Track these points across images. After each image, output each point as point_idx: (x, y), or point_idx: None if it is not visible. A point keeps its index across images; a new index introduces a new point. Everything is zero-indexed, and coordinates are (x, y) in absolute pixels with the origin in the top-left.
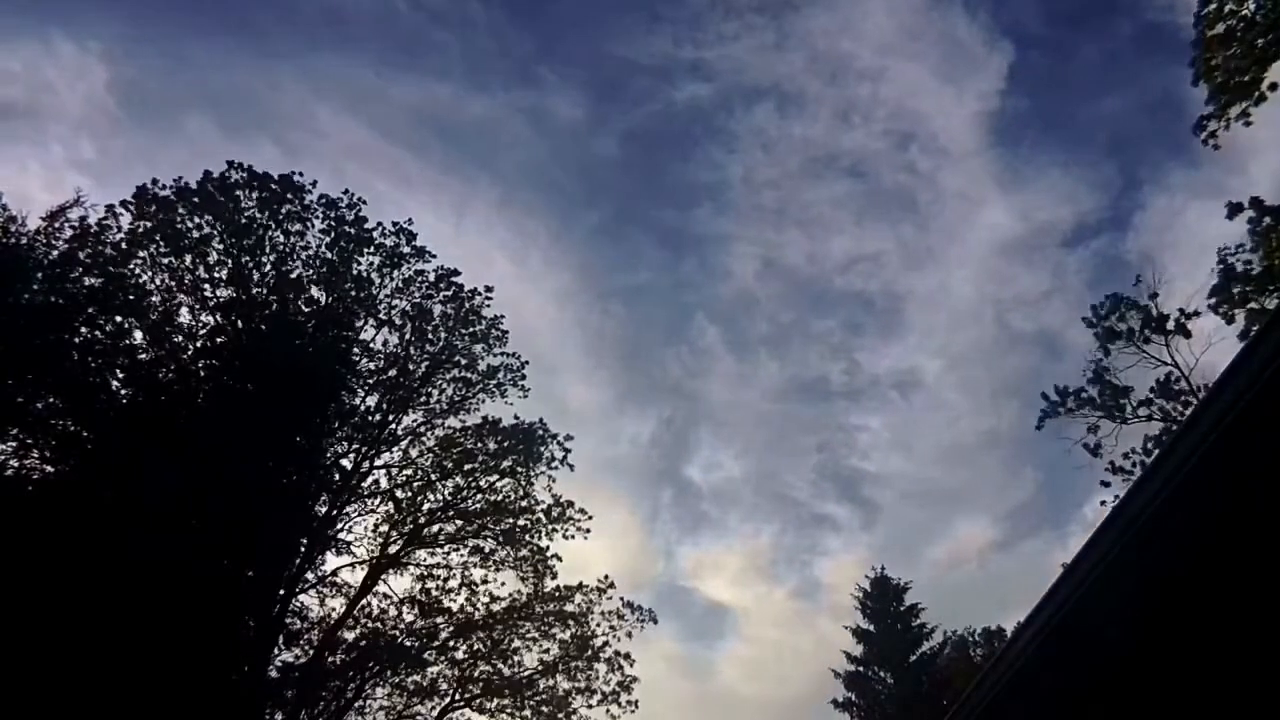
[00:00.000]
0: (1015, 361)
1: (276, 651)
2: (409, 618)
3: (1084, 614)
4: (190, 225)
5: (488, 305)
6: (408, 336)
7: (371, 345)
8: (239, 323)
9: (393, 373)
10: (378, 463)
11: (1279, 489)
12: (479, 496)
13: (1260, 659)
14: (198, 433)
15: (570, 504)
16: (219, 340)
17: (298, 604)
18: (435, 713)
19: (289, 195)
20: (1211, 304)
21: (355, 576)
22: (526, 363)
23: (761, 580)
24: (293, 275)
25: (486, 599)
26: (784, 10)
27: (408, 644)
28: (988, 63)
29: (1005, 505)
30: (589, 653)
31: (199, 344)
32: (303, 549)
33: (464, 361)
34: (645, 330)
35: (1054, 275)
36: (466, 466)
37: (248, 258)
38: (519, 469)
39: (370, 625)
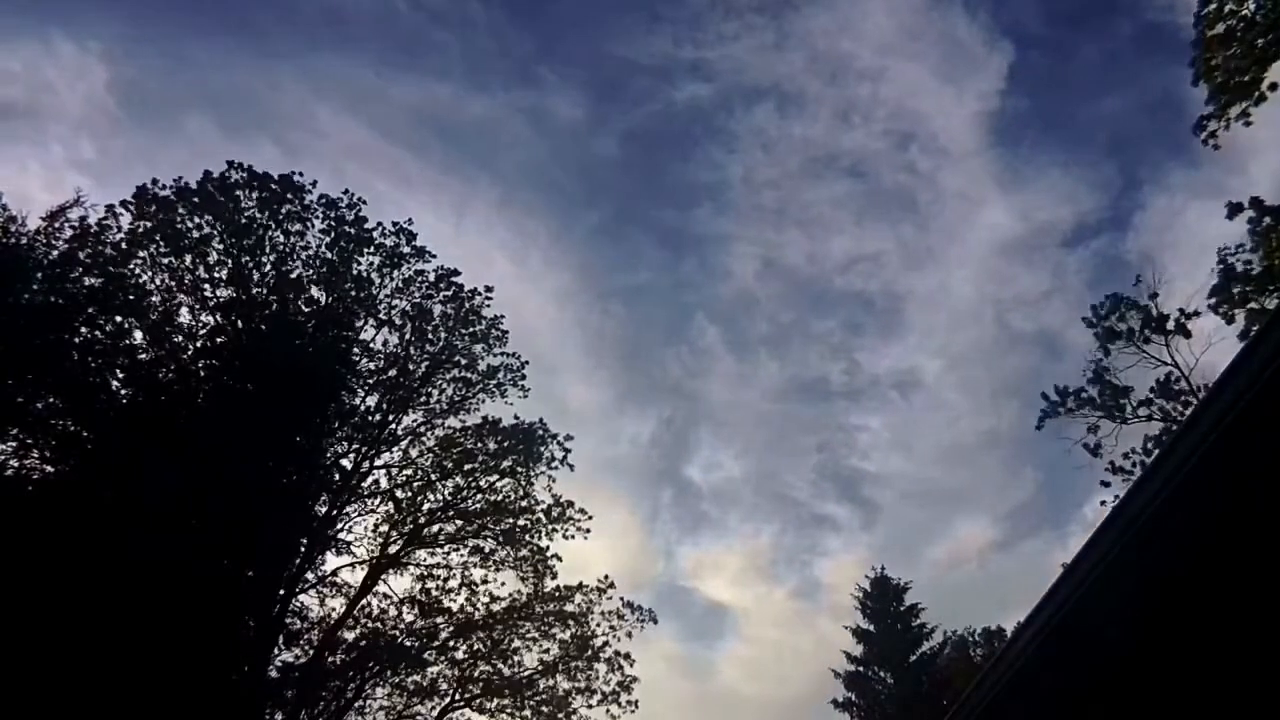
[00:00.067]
0: (1015, 361)
1: (276, 651)
2: (409, 618)
3: (1084, 614)
4: (190, 225)
5: (488, 305)
6: (408, 336)
7: (371, 345)
8: (239, 323)
9: (393, 373)
10: (378, 463)
11: (1279, 489)
12: (479, 496)
13: (1260, 659)
14: (198, 433)
15: (570, 504)
16: (219, 340)
17: (298, 604)
18: (435, 713)
19: (289, 195)
20: (1211, 304)
21: (355, 576)
22: (526, 363)
23: (761, 580)
24: (293, 275)
25: (486, 599)
26: (784, 10)
27: (408, 644)
28: (988, 63)
29: (1005, 505)
30: (589, 653)
31: (199, 344)
32: (303, 549)
33: (464, 361)
34: (645, 330)
35: (1054, 275)
36: (466, 466)
37: (248, 258)
38: (519, 469)
39: (370, 625)
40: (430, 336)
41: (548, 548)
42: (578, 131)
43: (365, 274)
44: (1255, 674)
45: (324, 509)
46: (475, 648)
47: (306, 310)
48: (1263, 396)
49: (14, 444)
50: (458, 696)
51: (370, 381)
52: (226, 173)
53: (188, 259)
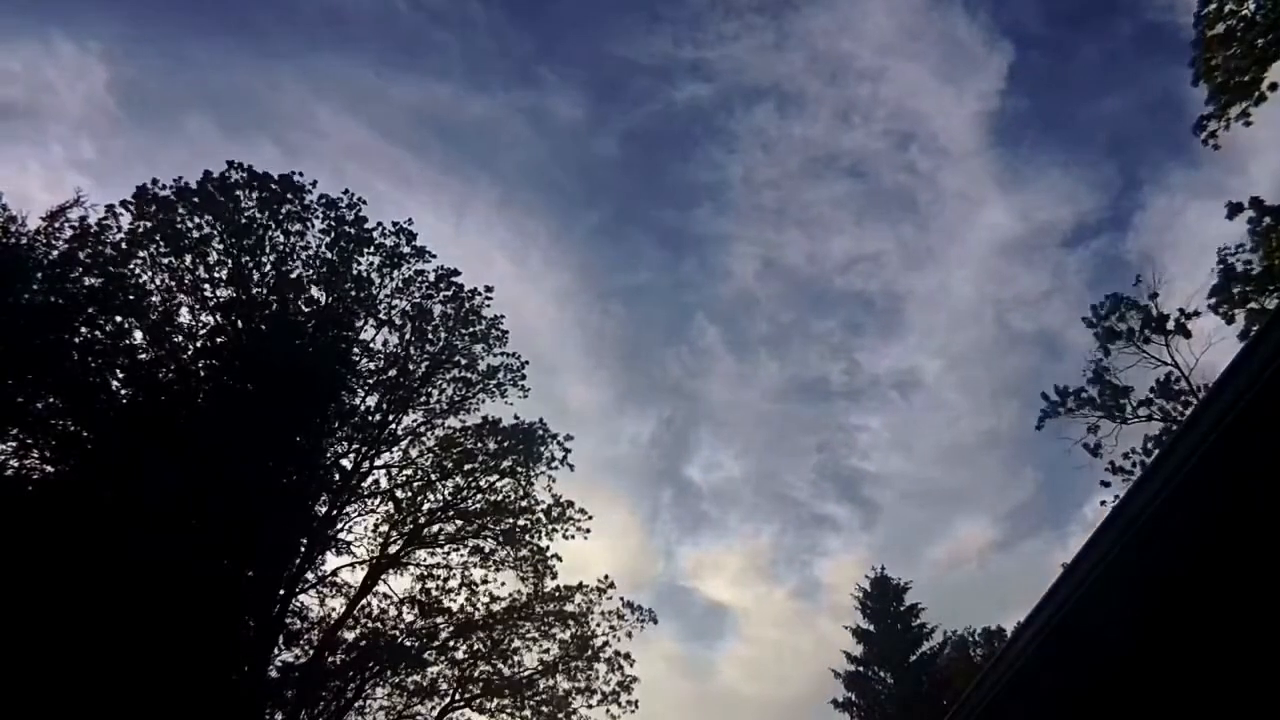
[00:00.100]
0: (1015, 361)
1: (276, 651)
2: (409, 618)
3: (1084, 614)
4: (190, 225)
5: (488, 305)
6: (408, 336)
7: (371, 345)
8: (239, 323)
9: (393, 373)
10: (378, 463)
11: (1279, 489)
12: (479, 496)
13: (1260, 659)
14: (198, 433)
15: (570, 504)
16: (219, 340)
17: (298, 604)
18: (435, 713)
19: (289, 195)
20: (1211, 304)
21: (355, 576)
22: (526, 363)
23: (761, 580)
24: (293, 275)
25: (486, 599)
26: (784, 10)
27: (408, 644)
28: (988, 63)
29: (1005, 505)
30: (589, 653)
31: (199, 344)
32: (303, 549)
33: (464, 361)
34: (645, 330)
35: (1054, 275)
36: (466, 466)
37: (248, 258)
38: (519, 469)
39: (370, 625)
40: (430, 336)
41: (548, 548)
42: (578, 131)
43: (365, 274)
44: (1255, 674)
45: (324, 509)
46: (475, 648)
47: (306, 310)
48: (1263, 396)
49: (14, 444)
50: (458, 696)
51: (370, 381)
52: (226, 173)
53: (188, 259)
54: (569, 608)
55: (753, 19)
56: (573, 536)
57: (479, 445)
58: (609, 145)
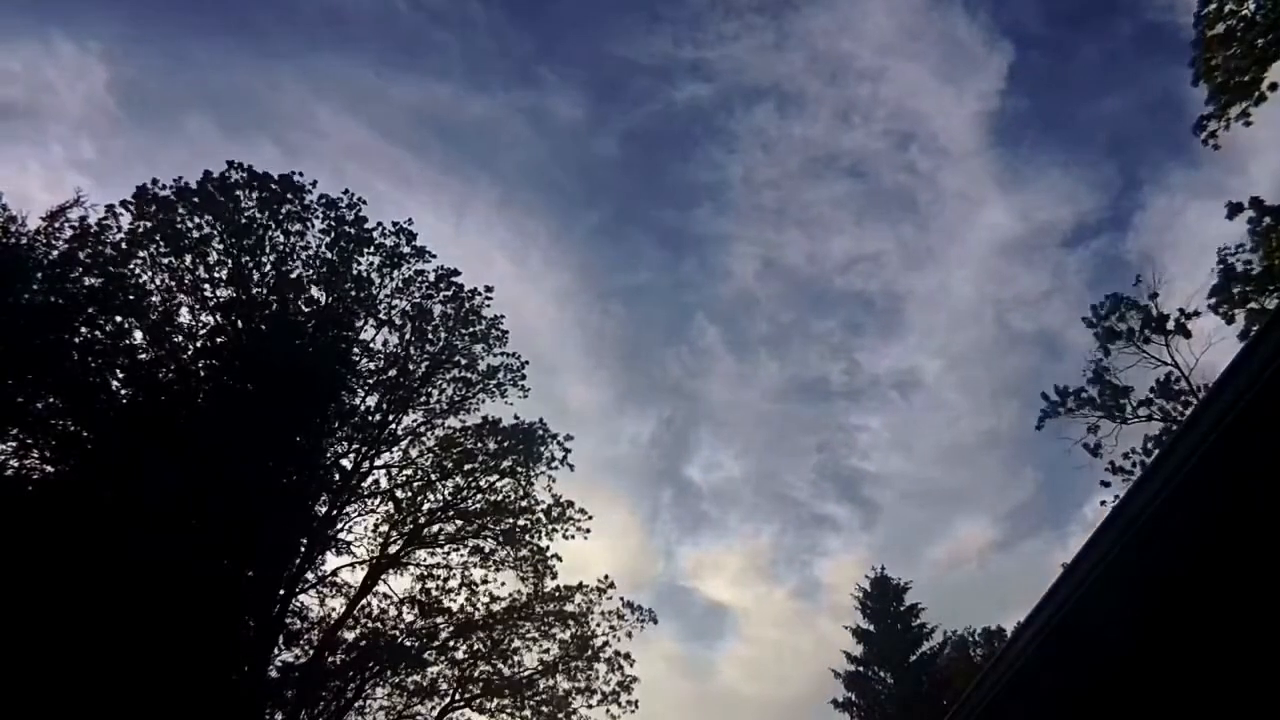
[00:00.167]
0: (1015, 361)
1: (276, 651)
2: (409, 618)
3: (1084, 614)
4: (190, 225)
5: (488, 305)
6: (408, 336)
7: (371, 345)
8: (239, 323)
9: (393, 373)
10: (378, 463)
11: (1279, 489)
12: (479, 496)
13: (1260, 659)
14: (198, 433)
15: (570, 504)
16: (219, 340)
17: (298, 604)
18: (435, 713)
19: (289, 195)
20: (1211, 304)
21: (355, 576)
22: (526, 363)
23: (761, 580)
24: (293, 275)
25: (486, 599)
26: (784, 10)
27: (408, 644)
28: (988, 63)
29: (1005, 505)
30: (589, 653)
31: (199, 344)
32: (303, 549)
33: (464, 361)
34: (645, 330)
35: (1054, 275)
36: (466, 466)
37: (248, 258)
38: (519, 469)
39: (370, 625)
40: (430, 336)
41: (548, 548)
42: (578, 131)
43: (365, 274)
44: (1255, 674)
45: (324, 509)
46: (475, 648)
47: (306, 310)
48: (1263, 396)
49: (14, 444)
50: (458, 696)
51: (370, 381)
52: (226, 173)
53: (188, 259)
54: (569, 608)
55: (753, 19)
56: (573, 536)
57: (479, 445)
58: (609, 145)
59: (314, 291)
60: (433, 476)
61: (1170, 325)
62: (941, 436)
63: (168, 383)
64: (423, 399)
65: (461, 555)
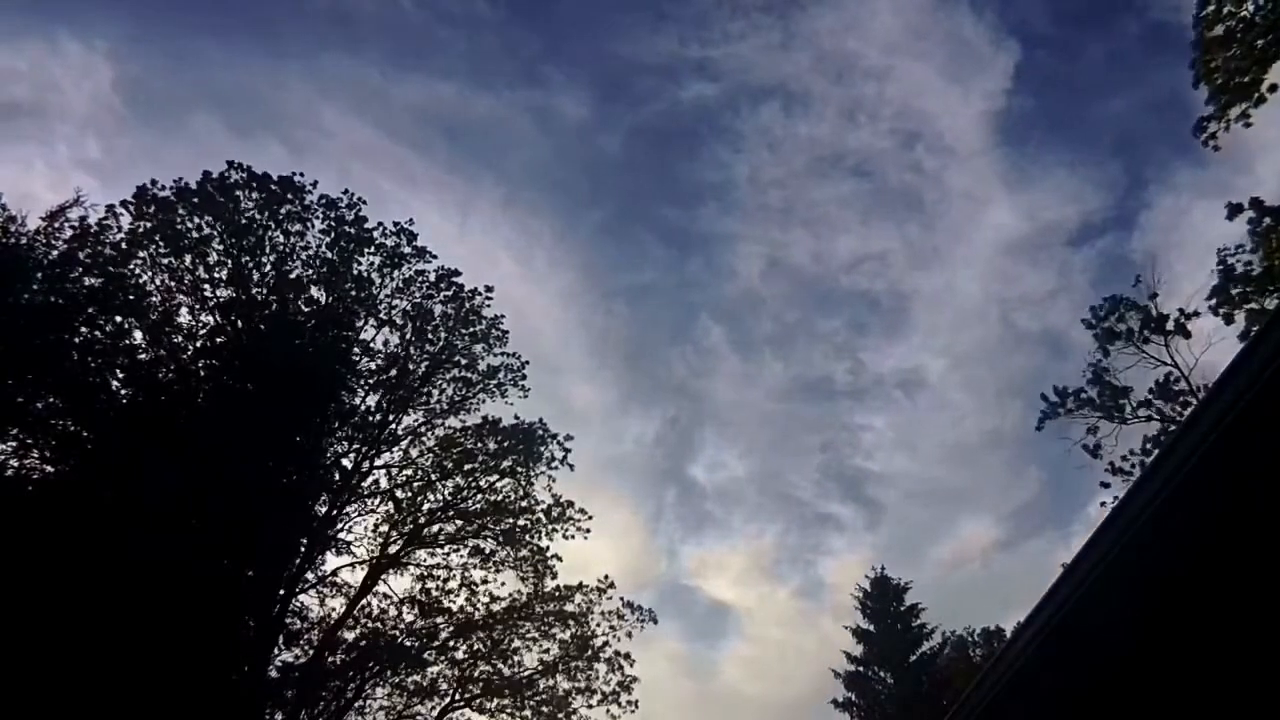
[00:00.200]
0: (1020, 361)
1: (276, 651)
2: (409, 618)
3: (1084, 614)
4: (190, 225)
5: (488, 305)
6: (408, 336)
7: (371, 345)
8: (239, 323)
9: (393, 373)
10: (378, 463)
11: (1279, 489)
12: (479, 496)
13: (1260, 659)
14: (198, 433)
15: (570, 504)
16: (219, 340)
17: (298, 604)
18: (435, 713)
19: (289, 195)
20: (1211, 305)
21: (355, 576)
22: (527, 362)
23: (765, 580)
24: (293, 275)
25: (486, 599)
26: (790, 9)
27: (408, 644)
28: (994, 62)
29: (1009, 505)
30: (589, 653)
31: (199, 344)
32: (303, 549)
33: (464, 361)
34: (650, 330)
35: (1060, 274)
36: (466, 466)
37: (248, 258)
38: (519, 469)
39: (370, 625)
40: (430, 336)
41: (548, 548)
42: (583, 130)
43: (365, 274)
44: (1255, 674)
45: (324, 509)
46: (475, 648)
47: (306, 310)
48: (1263, 396)
49: (14, 444)
50: (458, 696)
51: (370, 381)
52: (226, 173)
53: (188, 259)
54: (569, 608)
55: (759, 18)
56: (572, 537)
57: (479, 445)
58: (614, 144)
59: (314, 291)
60: (433, 476)
61: (1170, 326)
62: (946, 436)
63: (168, 383)
64: (423, 399)
65: (461, 555)
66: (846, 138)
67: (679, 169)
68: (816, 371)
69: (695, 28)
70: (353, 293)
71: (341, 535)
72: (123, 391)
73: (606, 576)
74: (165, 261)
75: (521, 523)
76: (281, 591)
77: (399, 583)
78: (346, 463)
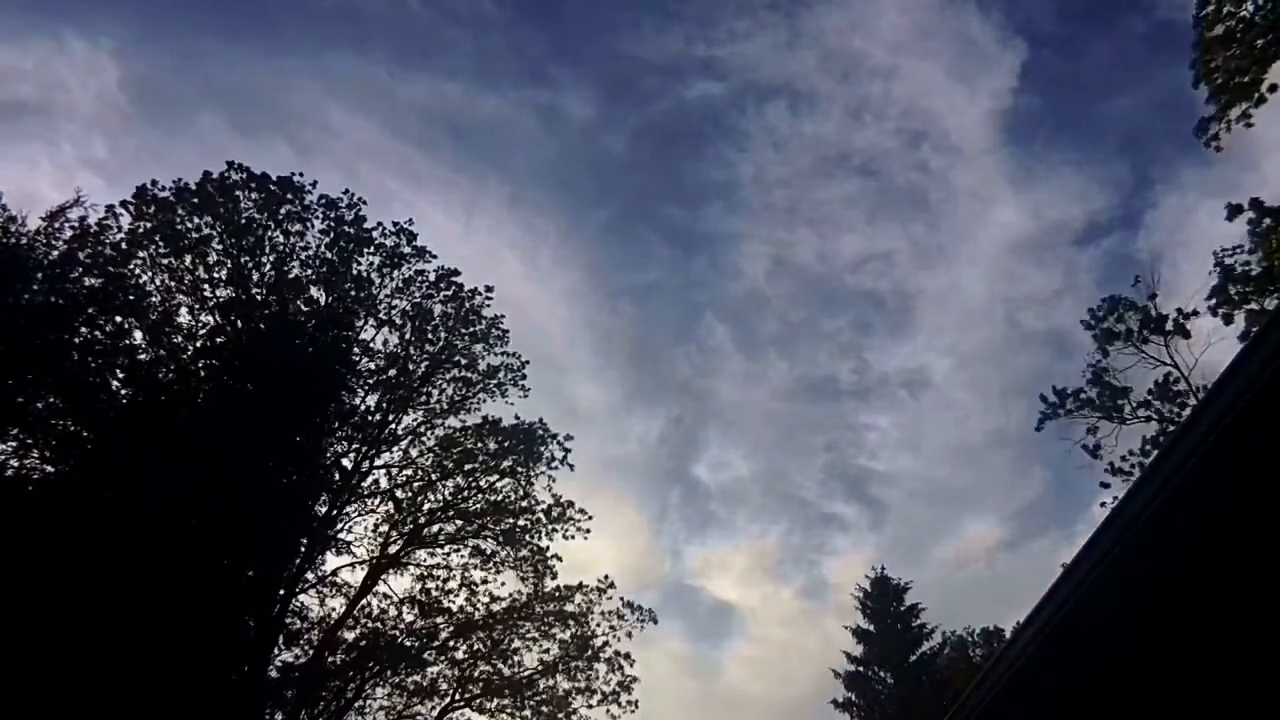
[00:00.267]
0: (1025, 360)
1: (276, 651)
2: (409, 618)
3: (1084, 614)
4: (190, 225)
5: (488, 305)
6: (408, 336)
7: (371, 345)
8: (239, 323)
9: (393, 373)
10: (378, 463)
11: (1279, 489)
12: (479, 496)
13: (1260, 659)
14: (198, 433)
15: (570, 504)
16: (219, 340)
17: (298, 604)
18: (435, 713)
19: (288, 195)
20: (1211, 305)
21: (355, 576)
22: (527, 362)
23: (768, 580)
24: (292, 275)
25: (486, 599)
26: (797, 8)
27: (408, 644)
28: (1000, 61)
29: (1013, 504)
30: (589, 653)
31: (199, 344)
32: (303, 549)
33: (464, 361)
34: (654, 329)
35: (1065, 274)
36: (467, 466)
37: (247, 258)
38: (519, 469)
39: (370, 625)
40: (430, 336)
41: (548, 548)
42: (589, 130)
43: (365, 274)
44: (1255, 674)
45: (324, 509)
46: (475, 648)
47: (306, 310)
48: (1263, 396)
49: (14, 444)
50: (458, 696)
51: (370, 381)
52: (226, 173)
53: (187, 259)
54: (569, 608)
55: (765, 17)
56: (573, 537)
57: (479, 445)
58: (620, 144)
59: (314, 291)
60: (433, 476)
61: (1169, 326)
62: (950, 436)
63: (168, 383)
64: (423, 399)
65: (461, 555)
66: (852, 137)
67: (684, 168)
68: (821, 371)
69: (701, 27)
70: (352, 293)
71: (341, 535)
72: (123, 391)
73: (606, 576)
74: (165, 261)
75: (521, 523)
76: (281, 591)
77: (399, 583)
78: (346, 463)
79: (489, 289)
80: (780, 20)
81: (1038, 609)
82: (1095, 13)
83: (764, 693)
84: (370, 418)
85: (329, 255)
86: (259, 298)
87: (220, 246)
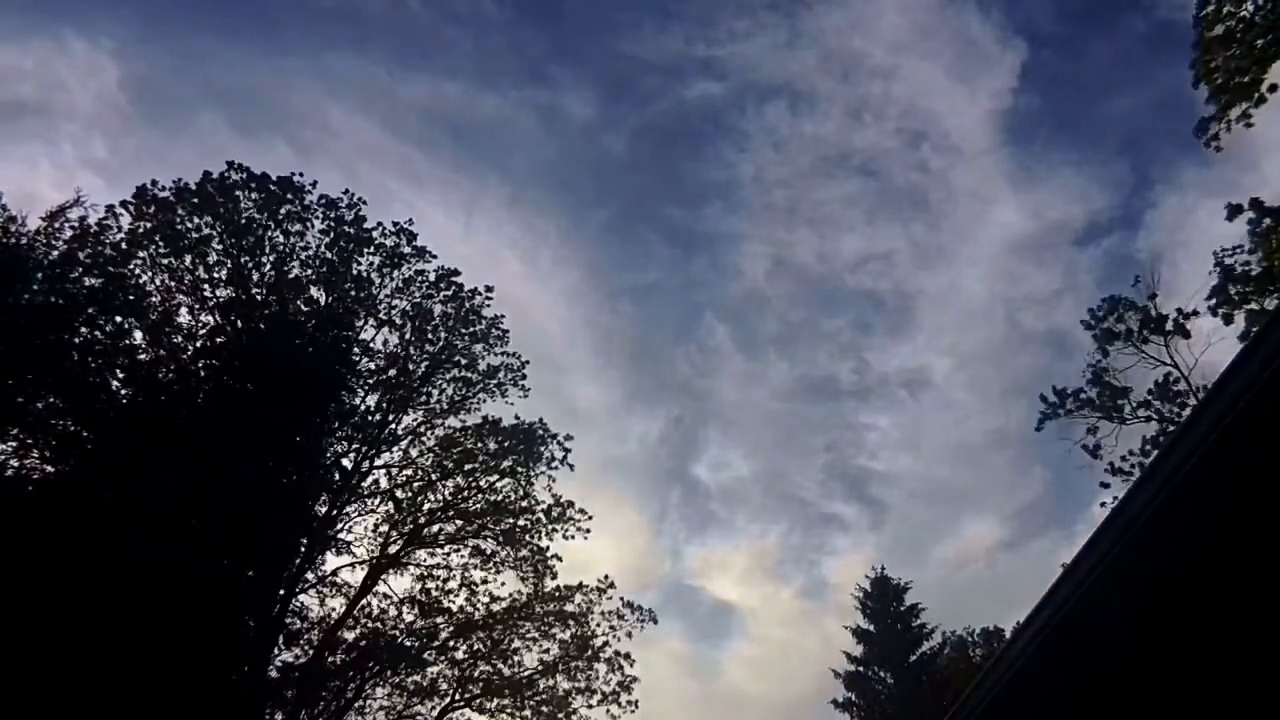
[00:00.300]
0: (1025, 360)
1: (276, 651)
2: (409, 618)
3: (1084, 614)
4: (190, 225)
5: (488, 305)
6: (408, 336)
7: (371, 345)
8: (239, 323)
9: (393, 372)
10: (378, 463)
11: (1279, 489)
12: (479, 496)
13: (1260, 659)
14: (198, 433)
15: (570, 504)
16: (219, 340)
17: (298, 604)
18: (435, 713)
19: (288, 195)
20: (1211, 305)
21: (355, 576)
22: (527, 362)
23: (768, 580)
24: (292, 275)
25: (486, 599)
26: (796, 8)
27: (408, 644)
28: (1000, 61)
29: (1013, 504)
30: (589, 653)
31: (199, 344)
32: (303, 549)
33: (464, 361)
34: (654, 329)
35: (1065, 274)
36: (467, 466)
37: (247, 258)
38: (519, 469)
39: (370, 625)
40: (430, 336)
41: (548, 548)
42: (589, 130)
43: (365, 274)
44: (1255, 674)
45: (324, 509)
46: (475, 648)
47: (306, 310)
48: (1263, 397)
49: (14, 444)
50: (458, 696)
51: (370, 381)
52: (226, 173)
53: (187, 259)
54: (569, 608)
55: (765, 17)
56: (573, 537)
57: (479, 445)
58: (620, 144)
59: (314, 291)
60: (433, 476)
61: (1169, 326)
62: (950, 436)
63: (168, 383)
64: (423, 399)
65: (461, 555)
66: (852, 137)
67: (684, 168)
68: (821, 371)
69: (701, 27)
70: (352, 293)
71: (341, 535)
72: (123, 391)
73: (606, 576)
74: (165, 261)
75: (521, 523)
76: (281, 591)
77: (399, 583)
78: (346, 463)
79: (489, 289)
80: (780, 20)
81: (1038, 609)
82: (1095, 13)
83: (764, 693)
84: (370, 418)
85: (329, 255)
86: (259, 298)
87: (220, 246)
